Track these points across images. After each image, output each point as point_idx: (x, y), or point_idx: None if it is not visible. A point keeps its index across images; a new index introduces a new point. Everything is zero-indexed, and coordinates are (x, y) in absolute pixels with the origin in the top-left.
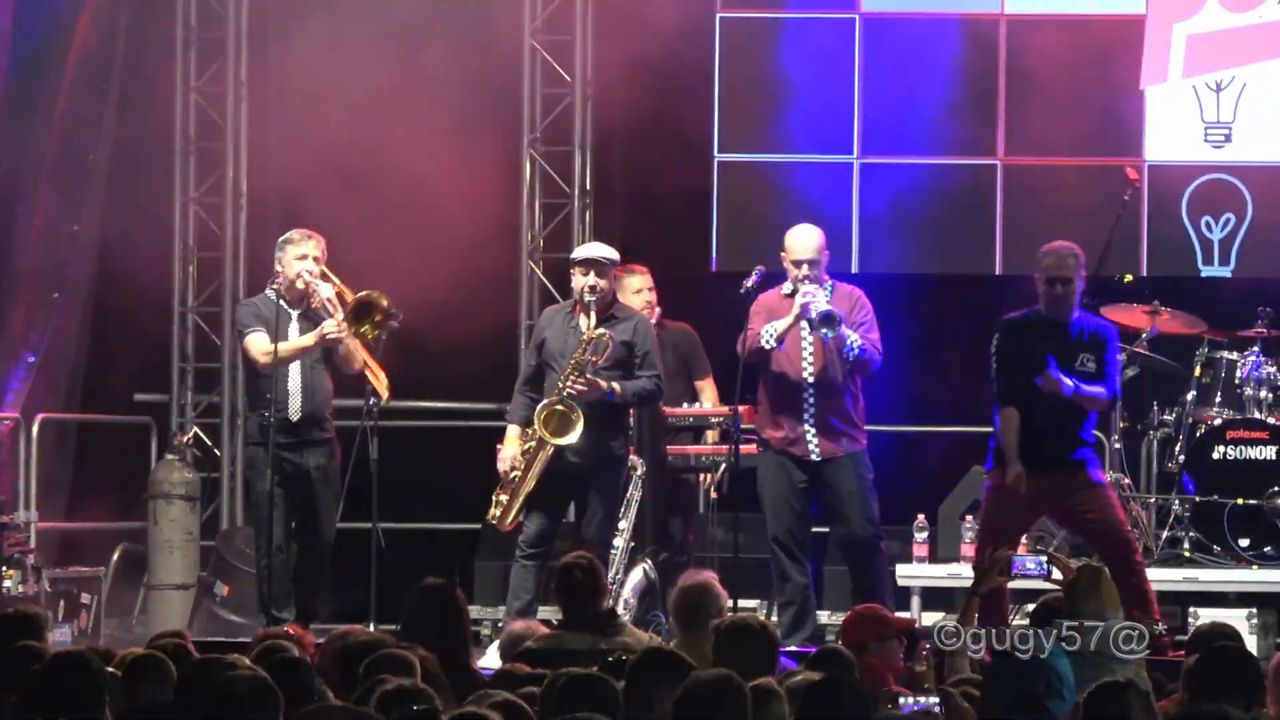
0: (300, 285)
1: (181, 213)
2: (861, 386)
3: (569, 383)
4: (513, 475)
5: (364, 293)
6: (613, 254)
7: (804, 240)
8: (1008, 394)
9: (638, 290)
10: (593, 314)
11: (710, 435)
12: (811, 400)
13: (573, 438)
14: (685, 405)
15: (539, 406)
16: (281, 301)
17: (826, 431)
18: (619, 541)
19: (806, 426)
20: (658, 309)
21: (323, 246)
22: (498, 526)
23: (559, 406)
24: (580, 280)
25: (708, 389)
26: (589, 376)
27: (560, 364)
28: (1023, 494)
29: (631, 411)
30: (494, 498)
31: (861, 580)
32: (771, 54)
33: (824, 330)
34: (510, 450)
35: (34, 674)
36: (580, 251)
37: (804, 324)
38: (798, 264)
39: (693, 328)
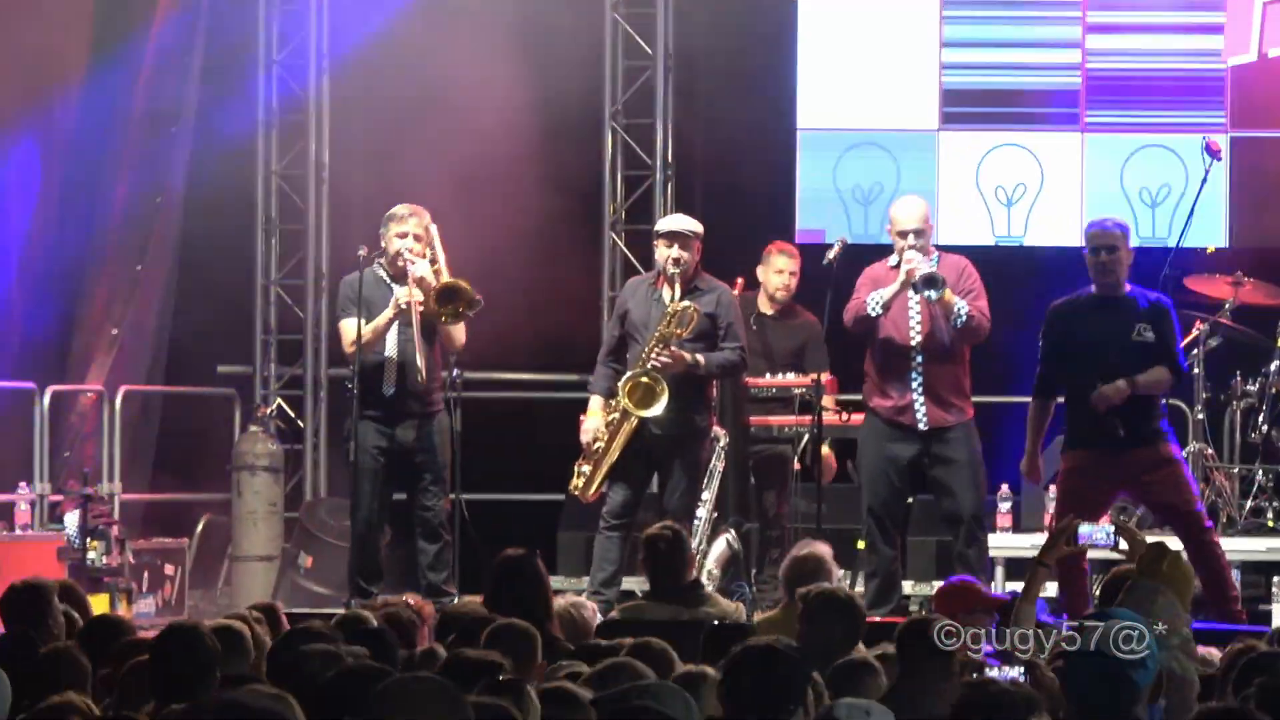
0: (400, 263)
1: (264, 186)
2: (969, 359)
3: (654, 355)
4: (596, 446)
5: (453, 280)
6: (696, 226)
7: (909, 210)
8: (1043, 387)
9: (780, 270)
10: (676, 286)
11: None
12: (920, 367)
13: (657, 410)
14: (768, 376)
15: (623, 378)
16: (386, 277)
17: (935, 399)
18: (702, 512)
19: (914, 394)
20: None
21: (426, 223)
22: (580, 497)
23: (644, 379)
24: (664, 252)
25: None
26: (673, 349)
27: (643, 335)
28: (1087, 474)
29: (714, 383)
30: (576, 468)
31: (962, 553)
32: (853, 24)
33: (928, 292)
34: (593, 421)
35: (131, 647)
36: (664, 224)
37: (911, 291)
38: (903, 234)
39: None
